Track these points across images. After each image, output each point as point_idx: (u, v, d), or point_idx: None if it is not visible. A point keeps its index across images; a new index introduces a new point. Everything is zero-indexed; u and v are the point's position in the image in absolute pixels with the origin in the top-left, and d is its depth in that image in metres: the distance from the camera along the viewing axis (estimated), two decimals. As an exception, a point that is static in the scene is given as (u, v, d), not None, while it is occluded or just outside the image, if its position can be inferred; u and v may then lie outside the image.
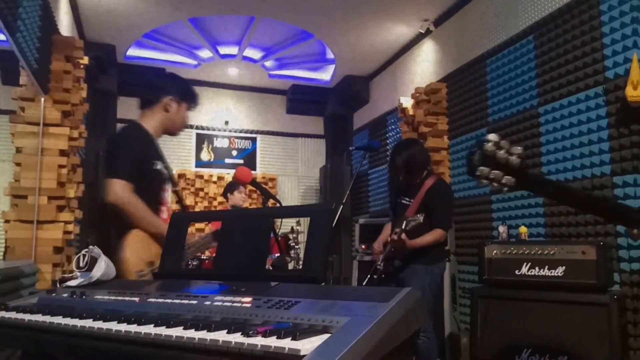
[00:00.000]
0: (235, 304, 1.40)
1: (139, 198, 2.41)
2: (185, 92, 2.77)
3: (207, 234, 2.74)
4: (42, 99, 4.26)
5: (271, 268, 3.01)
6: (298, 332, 1.08)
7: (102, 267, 1.96)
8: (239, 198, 5.49)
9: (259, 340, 1.07)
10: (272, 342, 1.06)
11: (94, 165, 6.39)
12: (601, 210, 1.77)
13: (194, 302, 1.48)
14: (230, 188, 5.58)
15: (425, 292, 3.55)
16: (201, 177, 7.91)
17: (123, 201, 2.34)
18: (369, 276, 3.65)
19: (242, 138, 8.40)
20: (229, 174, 7.86)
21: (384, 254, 3.62)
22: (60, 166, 4.29)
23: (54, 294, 1.87)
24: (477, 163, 1.30)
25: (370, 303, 1.22)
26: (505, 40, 4.74)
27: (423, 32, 6.15)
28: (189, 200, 7.66)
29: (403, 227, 3.48)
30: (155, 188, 2.58)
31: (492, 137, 1.31)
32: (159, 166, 2.60)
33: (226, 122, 8.31)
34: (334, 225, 1.93)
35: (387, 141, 7.14)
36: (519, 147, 1.34)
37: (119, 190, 2.35)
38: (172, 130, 2.76)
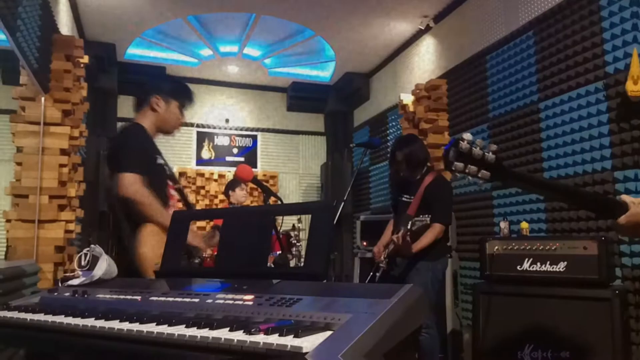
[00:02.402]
0: (237, 302, 1.40)
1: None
2: (174, 90, 2.75)
3: (210, 230, 2.75)
4: (43, 98, 4.26)
5: (273, 266, 3.01)
6: (300, 329, 1.08)
7: (104, 266, 1.96)
8: (241, 195, 5.48)
9: (261, 338, 1.07)
10: (275, 339, 1.05)
11: (95, 164, 6.40)
12: (583, 202, 1.78)
13: (196, 300, 1.48)
14: (231, 185, 5.58)
15: (427, 289, 3.54)
16: (202, 175, 7.91)
17: (137, 194, 2.32)
18: (371, 273, 3.65)
19: (242, 136, 8.39)
20: (229, 172, 7.85)
21: (386, 252, 3.62)
22: (61, 165, 4.29)
23: (55, 293, 1.88)
24: (452, 159, 1.42)
25: (372, 300, 1.22)
26: (505, 35, 4.73)
27: (423, 28, 6.14)
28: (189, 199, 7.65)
29: (408, 227, 3.46)
30: (161, 183, 2.58)
31: (467, 136, 1.42)
32: (161, 161, 2.61)
33: (227, 120, 8.30)
34: (335, 222, 1.93)
35: (388, 138, 7.13)
36: (494, 145, 1.45)
37: (132, 183, 2.33)
38: (165, 128, 2.74)
